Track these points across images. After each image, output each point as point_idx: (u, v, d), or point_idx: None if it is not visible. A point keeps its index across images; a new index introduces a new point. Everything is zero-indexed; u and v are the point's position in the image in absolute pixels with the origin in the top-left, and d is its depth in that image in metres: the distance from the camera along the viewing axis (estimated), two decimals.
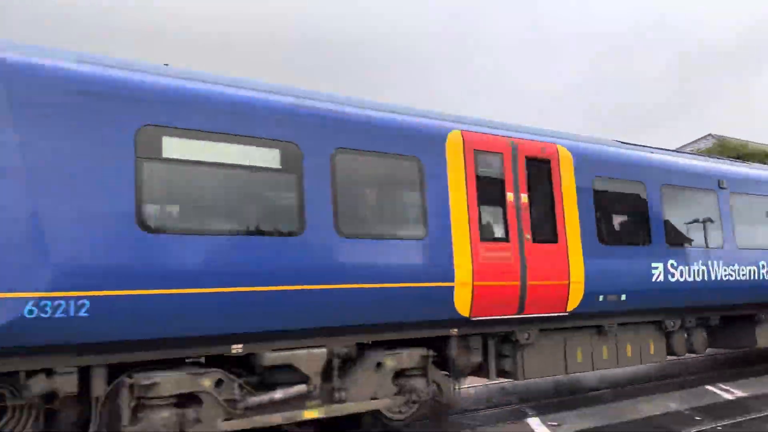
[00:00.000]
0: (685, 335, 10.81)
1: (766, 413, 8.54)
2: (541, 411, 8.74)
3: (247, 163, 6.32)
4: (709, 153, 24.28)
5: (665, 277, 9.83)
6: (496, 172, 8.18)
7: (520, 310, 8.17)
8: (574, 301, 8.70)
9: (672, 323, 10.38)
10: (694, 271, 10.29)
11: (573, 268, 8.66)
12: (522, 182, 8.39)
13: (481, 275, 7.72)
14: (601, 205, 9.28)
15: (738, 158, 18.37)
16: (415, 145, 7.50)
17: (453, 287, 7.50)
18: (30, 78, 5.33)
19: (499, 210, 8.14)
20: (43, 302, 5.13)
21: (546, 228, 8.51)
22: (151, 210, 5.74)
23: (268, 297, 6.24)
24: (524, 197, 8.37)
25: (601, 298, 8.99)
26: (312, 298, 6.51)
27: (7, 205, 5.08)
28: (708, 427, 7.84)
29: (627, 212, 9.81)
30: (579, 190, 9.00)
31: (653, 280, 9.68)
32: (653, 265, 9.71)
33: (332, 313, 6.69)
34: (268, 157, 6.45)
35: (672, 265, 9.96)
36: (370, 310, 6.95)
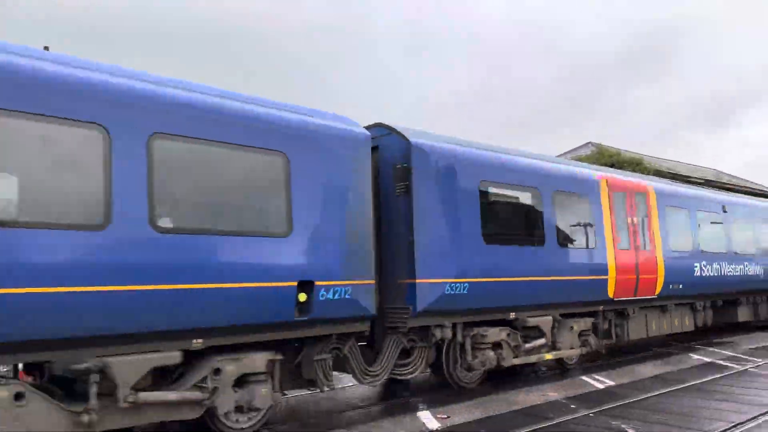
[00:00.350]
0: (703, 313, 15.69)
1: (630, 399, 9.12)
2: (432, 404, 8.91)
3: (523, 201, 10.33)
4: (588, 159, 24.63)
5: (701, 272, 14.64)
6: (621, 204, 12.57)
7: (635, 294, 12.59)
8: (659, 288, 13.24)
9: (698, 304, 15.22)
10: (714, 268, 15.18)
11: (659, 266, 13.20)
12: (634, 209, 12.84)
13: (619, 271, 12.06)
14: (668, 223, 13.89)
15: (612, 165, 21.38)
16: (587, 188, 11.74)
17: (607, 279, 11.80)
18: (439, 155, 9.11)
19: (624, 228, 12.52)
20: (452, 284, 8.95)
21: (646, 240, 12.99)
22: (486, 230, 9.62)
23: (527, 284, 10.24)
24: (635, 219, 12.81)
25: (671, 286, 13.61)
26: (547, 285, 10.57)
27: (437, 232, 8.85)
28: (581, 414, 8.24)
29: (680, 228, 14.45)
30: (659, 213, 13.57)
31: (695, 274, 14.44)
32: (695, 264, 14.48)
33: (554, 294, 10.77)
34: (528, 197, 10.48)
35: (704, 264, 14.79)
36: (569, 292, 11.09)
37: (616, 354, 13.88)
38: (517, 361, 10.15)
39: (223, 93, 7.12)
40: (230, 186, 6.86)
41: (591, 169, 12.38)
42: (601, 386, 10.29)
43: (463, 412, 8.37)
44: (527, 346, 10.30)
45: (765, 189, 38.25)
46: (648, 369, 12.04)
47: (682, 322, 14.79)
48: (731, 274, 15.96)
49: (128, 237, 5.94)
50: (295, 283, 7.16)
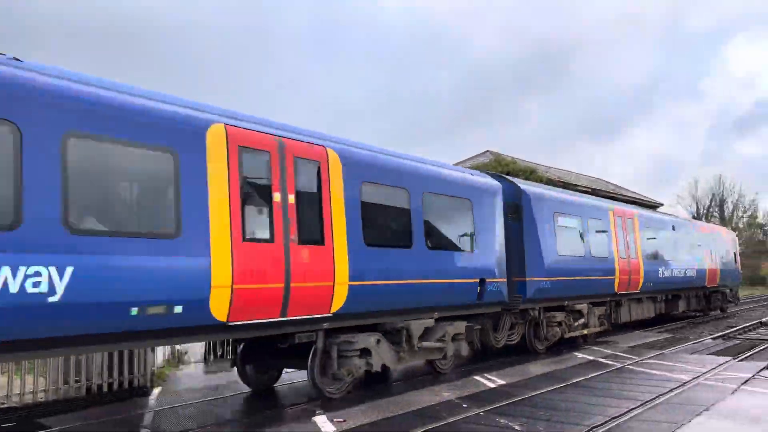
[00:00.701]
0: (660, 304, 21.45)
1: (519, 397, 9.46)
2: (328, 408, 8.88)
3: (574, 225, 15.36)
4: (486, 167, 25.59)
5: (662, 275, 20.35)
6: (620, 226, 17.92)
7: (627, 288, 17.98)
8: (640, 286, 18.73)
9: (658, 298, 20.96)
10: (669, 272, 20.96)
11: (641, 270, 18.69)
12: (626, 229, 18.23)
13: (620, 273, 17.38)
14: (645, 239, 19.44)
15: (508, 173, 22.67)
16: (603, 214, 16.98)
17: (614, 279, 17.08)
18: (534, 196, 13.95)
19: (623, 242, 17.88)
20: (543, 281, 13.82)
21: (633, 251, 18.44)
22: (558, 245, 14.54)
23: (579, 281, 15.28)
24: (627, 236, 18.21)
25: (646, 284, 19.15)
26: (587, 282, 15.64)
27: (535, 246, 13.69)
28: (473, 413, 8.45)
29: (652, 242, 20.03)
30: (640, 232, 19.09)
31: (659, 276, 20.11)
32: (659, 268, 20.15)
33: (589, 288, 15.86)
34: (577, 222, 15.53)
35: (664, 269, 20.51)
36: (596, 287, 16.22)
37: (503, 354, 14.27)
38: (570, 335, 15.18)
39: (442, 165, 11.68)
40: (451, 220, 11.39)
41: (602, 201, 17.72)
42: (492, 385, 10.68)
43: (360, 416, 8.42)
44: (575, 324, 15.37)
45: (644, 199, 41.99)
46: (537, 368, 12.59)
47: (649, 310, 20.45)
48: (678, 276, 21.86)
49: (419, 252, 10.37)
50: (478, 280, 11.77)
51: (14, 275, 5.44)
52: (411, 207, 10.37)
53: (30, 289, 5.54)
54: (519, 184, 13.84)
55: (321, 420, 8.17)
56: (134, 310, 6.36)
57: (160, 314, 6.60)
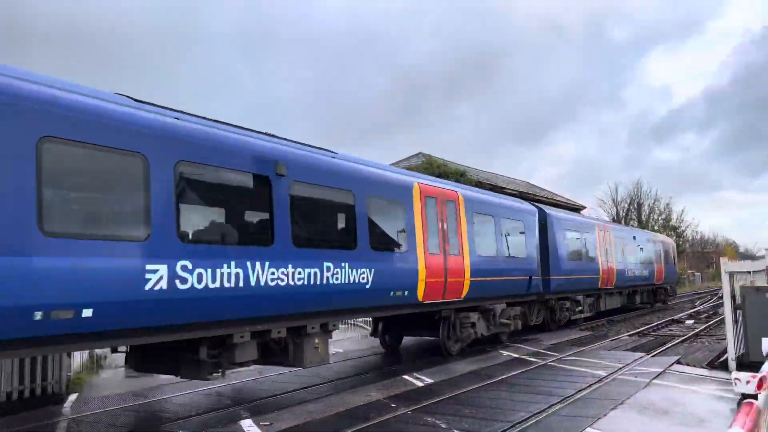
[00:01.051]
0: (624, 297, 26.85)
1: (446, 396, 9.63)
2: (255, 412, 8.75)
3: (577, 237, 20.28)
4: (418, 169, 26.12)
5: (628, 274, 25.87)
6: (602, 237, 23.12)
7: (606, 285, 23.23)
8: (614, 283, 24.05)
9: (623, 292, 26.50)
10: (632, 272, 26.61)
11: (615, 271, 23.94)
12: (605, 241, 23.43)
13: (602, 274, 22.57)
14: (617, 247, 24.70)
15: (440, 176, 22.98)
16: (590, 228, 22.05)
17: (598, 278, 22.32)
18: (553, 217, 19.03)
19: (603, 250, 23.01)
20: (559, 278, 18.88)
21: (611, 256, 23.65)
22: (568, 252, 19.38)
23: (580, 279, 20.24)
24: (606, 245, 23.40)
25: (618, 282, 24.51)
26: (585, 280, 20.75)
27: (555, 253, 18.49)
28: (401, 412, 8.47)
29: (620, 249, 25.41)
30: (614, 242, 24.33)
31: (626, 275, 25.58)
32: (625, 267, 25.60)
33: (584, 284, 20.91)
34: (577, 234, 20.45)
35: (628, 269, 26.02)
36: (588, 284, 21.27)
37: (434, 353, 14.51)
38: (573, 317, 20.21)
39: (499, 197, 16.40)
40: (514, 236, 16.03)
41: (590, 219, 23.26)
42: (420, 384, 10.77)
43: (287, 418, 8.29)
44: (576, 310, 20.42)
45: (569, 202, 44.65)
46: (463, 366, 12.68)
47: (617, 302, 26.00)
48: (638, 275, 27.71)
49: (501, 257, 15.05)
50: (527, 277, 16.44)
51: (356, 273, 10.00)
52: (495, 228, 14.93)
53: (360, 280, 10.07)
54: (544, 209, 19.00)
55: (247, 423, 8.14)
56: (391, 293, 10.99)
57: (399, 296, 11.23)
